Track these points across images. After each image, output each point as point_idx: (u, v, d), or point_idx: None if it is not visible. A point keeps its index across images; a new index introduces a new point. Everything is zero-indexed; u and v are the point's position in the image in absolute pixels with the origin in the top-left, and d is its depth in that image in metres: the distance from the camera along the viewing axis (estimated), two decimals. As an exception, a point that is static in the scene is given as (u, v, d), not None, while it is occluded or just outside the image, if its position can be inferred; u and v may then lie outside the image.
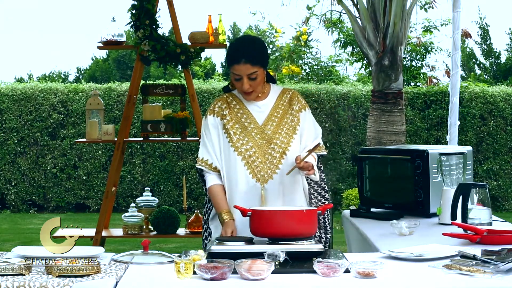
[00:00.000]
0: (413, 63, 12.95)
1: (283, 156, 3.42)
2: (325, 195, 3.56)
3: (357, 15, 7.88)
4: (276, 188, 3.41)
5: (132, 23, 6.13)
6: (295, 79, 13.17)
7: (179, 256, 2.70)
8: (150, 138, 6.44)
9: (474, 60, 18.96)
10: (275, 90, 3.56)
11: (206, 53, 25.67)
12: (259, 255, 2.75)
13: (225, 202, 3.41)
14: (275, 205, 3.36)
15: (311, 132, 3.54)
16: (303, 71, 13.44)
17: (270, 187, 3.40)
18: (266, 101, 3.51)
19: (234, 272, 2.63)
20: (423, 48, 12.89)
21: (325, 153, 3.57)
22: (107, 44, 6.22)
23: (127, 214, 6.13)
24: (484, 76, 18.37)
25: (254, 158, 3.40)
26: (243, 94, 3.47)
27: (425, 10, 12.03)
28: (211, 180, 3.46)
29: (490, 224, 3.58)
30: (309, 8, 13.00)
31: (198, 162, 3.49)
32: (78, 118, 11.08)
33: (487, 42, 18.90)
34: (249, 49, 3.41)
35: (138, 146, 11.07)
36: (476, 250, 2.90)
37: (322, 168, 3.59)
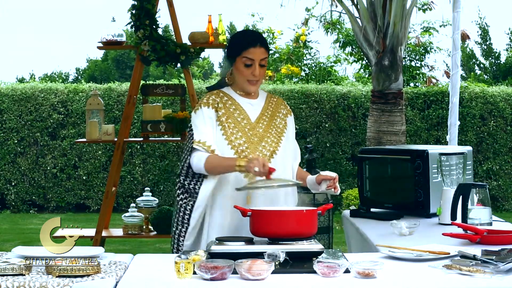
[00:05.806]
0: (412, 63, 12.95)
1: (272, 156, 3.40)
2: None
3: (357, 15, 7.88)
4: None
5: (132, 23, 6.13)
6: (294, 80, 13.17)
7: (179, 256, 2.70)
8: (150, 138, 6.44)
9: (474, 60, 18.96)
10: (262, 93, 3.56)
11: (205, 53, 25.67)
12: (259, 255, 2.75)
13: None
14: (259, 203, 3.31)
15: (294, 141, 3.58)
16: (302, 71, 13.43)
17: None
18: (257, 100, 3.50)
19: (234, 272, 2.63)
20: (422, 48, 12.88)
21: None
22: (107, 44, 6.22)
23: (127, 214, 6.13)
24: (484, 76, 18.37)
25: (246, 153, 3.36)
26: (247, 84, 3.41)
27: (423, 11, 12.03)
28: (203, 153, 3.31)
29: (490, 224, 3.58)
30: (308, 10, 13.02)
31: (194, 143, 3.33)
32: (78, 118, 11.07)
33: (487, 42, 18.90)
34: (261, 36, 3.45)
35: (138, 146, 11.07)
36: (476, 250, 2.90)
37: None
